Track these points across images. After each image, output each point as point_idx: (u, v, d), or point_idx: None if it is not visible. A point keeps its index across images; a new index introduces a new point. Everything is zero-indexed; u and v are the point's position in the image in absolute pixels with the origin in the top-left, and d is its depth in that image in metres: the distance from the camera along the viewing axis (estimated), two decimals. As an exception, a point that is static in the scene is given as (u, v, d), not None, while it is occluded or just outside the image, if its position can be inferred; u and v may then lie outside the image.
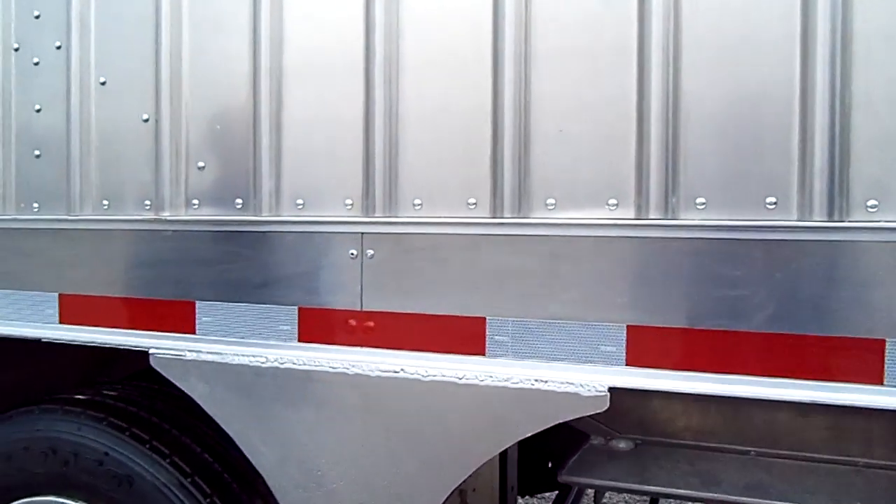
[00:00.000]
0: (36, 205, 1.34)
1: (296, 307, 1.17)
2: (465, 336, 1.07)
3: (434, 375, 1.07)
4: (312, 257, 1.16)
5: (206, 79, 1.21)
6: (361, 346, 1.14)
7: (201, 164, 1.21)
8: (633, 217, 0.99)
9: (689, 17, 0.96)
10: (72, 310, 1.30)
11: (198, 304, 1.22)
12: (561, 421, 1.02)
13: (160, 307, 1.24)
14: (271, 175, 1.17)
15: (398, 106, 1.11)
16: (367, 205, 1.13)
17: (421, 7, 1.09)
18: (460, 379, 1.05)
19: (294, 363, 1.16)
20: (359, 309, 1.14)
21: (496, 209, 1.05)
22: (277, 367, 1.16)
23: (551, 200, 1.02)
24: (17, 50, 1.37)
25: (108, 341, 1.25)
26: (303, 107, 1.16)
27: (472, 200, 1.06)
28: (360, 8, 1.12)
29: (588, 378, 1.00)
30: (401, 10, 1.10)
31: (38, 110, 1.34)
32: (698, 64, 0.95)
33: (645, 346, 0.98)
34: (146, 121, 1.25)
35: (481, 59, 1.05)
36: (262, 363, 1.17)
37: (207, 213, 1.21)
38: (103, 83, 1.29)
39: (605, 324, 1.00)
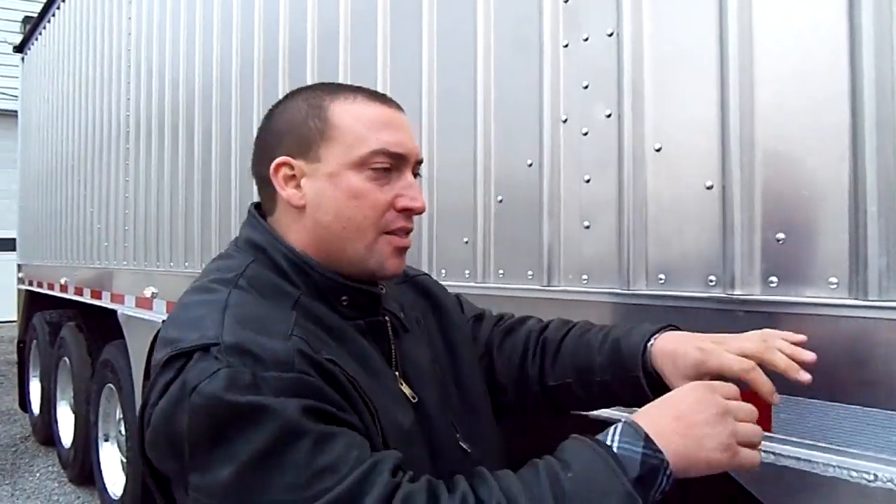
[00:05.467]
0: (585, 277, 1.42)
1: (914, 415, 0.99)
2: None
3: None
4: (943, 354, 0.97)
5: (787, 138, 1.13)
6: None
7: (781, 235, 1.13)
8: None
9: None
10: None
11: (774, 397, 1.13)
12: None
13: (725, 396, 1.18)
14: (882, 250, 1.02)
15: None
16: None
17: None
18: None
19: (915, 487, 0.98)
20: None
21: None
22: (891, 490, 0.99)
23: None
24: (564, 121, 1.49)
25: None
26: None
27: None
28: None
29: None
30: None
31: (587, 180, 1.43)
32: None
33: None
34: (710, 188, 1.22)
35: None
36: (869, 481, 1.01)
37: (789, 294, 1.11)
38: (658, 150, 1.30)
39: None
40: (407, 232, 1.03)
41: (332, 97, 1.01)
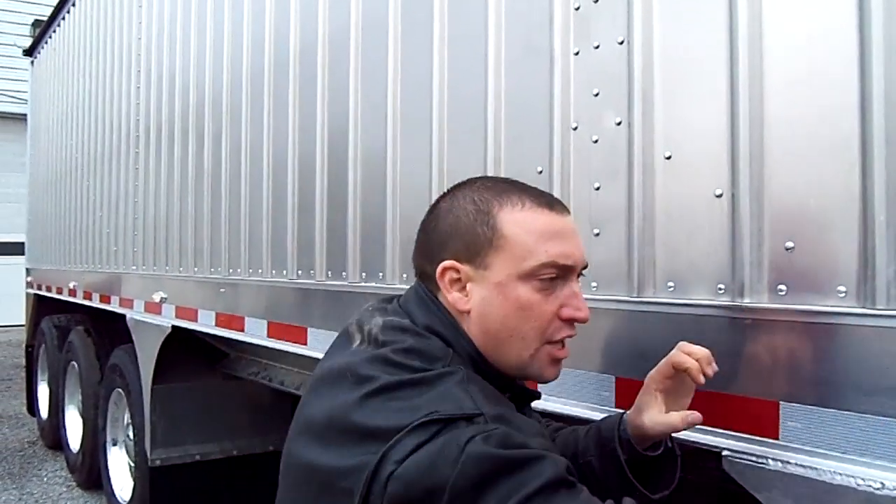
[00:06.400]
0: (594, 284, 1.44)
1: (924, 424, 1.01)
2: None
3: None
4: (951, 363, 0.98)
5: (797, 147, 1.14)
6: None
7: (790, 244, 1.14)
8: None
9: None
10: (629, 394, 1.34)
11: (782, 405, 1.14)
12: None
13: (734, 403, 1.20)
14: (891, 259, 1.03)
15: None
16: None
17: None
18: None
19: (924, 496, 0.99)
20: None
21: None
22: (898, 498, 1.01)
23: None
24: (575, 129, 1.51)
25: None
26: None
27: None
28: None
29: None
30: None
31: (597, 188, 1.45)
32: None
33: None
34: (719, 196, 1.24)
35: None
36: (876, 489, 1.03)
37: (798, 302, 1.13)
38: (668, 158, 1.32)
39: None
40: (566, 338, 1.09)
41: (500, 203, 1.05)
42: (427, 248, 1.10)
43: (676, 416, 1.13)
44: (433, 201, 1.17)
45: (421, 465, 0.85)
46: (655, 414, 1.14)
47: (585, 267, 1.10)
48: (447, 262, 1.05)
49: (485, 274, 1.03)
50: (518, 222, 1.04)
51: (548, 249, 1.03)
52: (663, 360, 1.14)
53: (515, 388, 1.10)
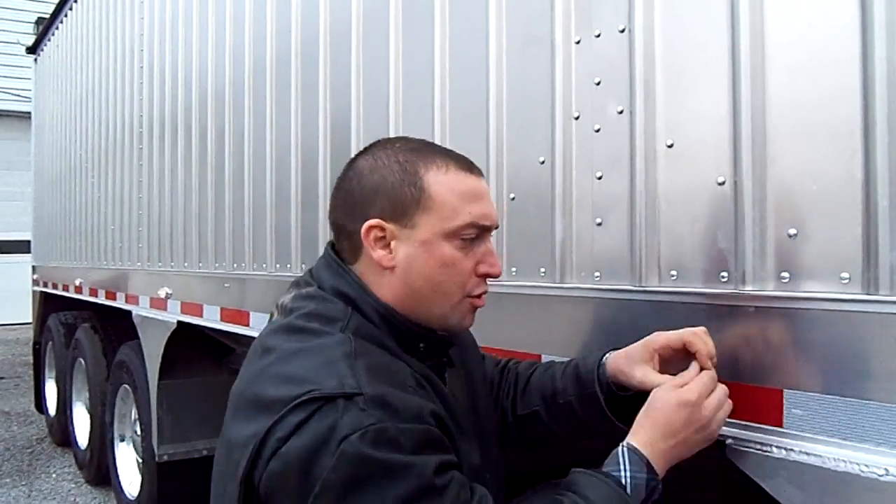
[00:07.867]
0: (597, 274, 1.44)
1: (928, 410, 1.01)
2: None
3: None
4: (955, 349, 0.98)
5: (799, 134, 1.14)
6: None
7: (793, 230, 1.14)
8: None
9: None
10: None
11: (786, 393, 1.14)
12: None
13: (737, 391, 1.19)
14: (894, 245, 1.03)
15: None
16: None
17: None
18: None
19: (928, 482, 0.99)
20: None
21: None
22: (903, 484, 1.01)
23: None
24: (577, 118, 1.51)
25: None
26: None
27: None
28: None
29: None
30: None
31: (599, 177, 1.45)
32: None
33: None
34: (722, 184, 1.24)
35: None
36: (879, 476, 1.03)
37: (802, 289, 1.13)
38: (670, 146, 1.32)
39: None
40: (482, 294, 1.16)
41: (425, 165, 1.10)
42: (349, 205, 1.12)
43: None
44: (350, 158, 1.19)
45: (301, 452, 0.90)
46: (650, 371, 1.18)
47: (496, 227, 1.17)
48: (373, 221, 1.08)
49: (410, 233, 1.08)
50: (444, 184, 1.09)
51: (471, 210, 1.09)
52: (676, 332, 1.19)
53: (429, 340, 1.14)
